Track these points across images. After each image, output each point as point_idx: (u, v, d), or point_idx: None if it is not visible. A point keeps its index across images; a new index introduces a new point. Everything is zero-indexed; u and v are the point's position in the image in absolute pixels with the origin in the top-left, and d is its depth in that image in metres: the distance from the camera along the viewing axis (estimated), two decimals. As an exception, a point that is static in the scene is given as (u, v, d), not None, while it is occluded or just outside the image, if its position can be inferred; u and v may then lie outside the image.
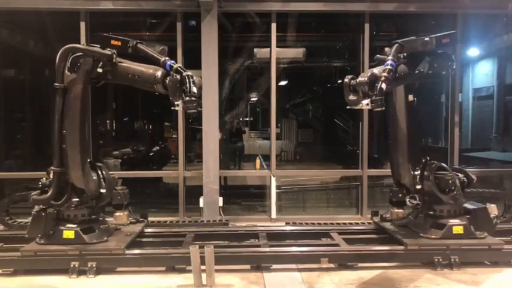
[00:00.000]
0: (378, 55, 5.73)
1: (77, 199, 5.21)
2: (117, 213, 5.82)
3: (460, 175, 5.54)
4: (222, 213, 7.42)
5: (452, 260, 5.08)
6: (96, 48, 4.98)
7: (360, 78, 4.84)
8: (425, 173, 5.48)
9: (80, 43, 7.42)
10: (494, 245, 5.22)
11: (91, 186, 5.24)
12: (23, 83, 9.93)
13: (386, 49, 5.20)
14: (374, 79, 4.68)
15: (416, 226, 5.63)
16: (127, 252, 5.07)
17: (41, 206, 5.17)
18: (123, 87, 5.28)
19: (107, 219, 5.75)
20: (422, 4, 7.63)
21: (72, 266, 4.92)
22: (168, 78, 4.83)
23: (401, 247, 5.24)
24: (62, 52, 4.97)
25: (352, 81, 5.01)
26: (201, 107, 5.38)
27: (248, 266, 5.15)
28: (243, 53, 9.98)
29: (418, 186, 5.50)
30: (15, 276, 4.94)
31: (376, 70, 4.85)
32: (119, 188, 5.76)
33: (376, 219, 6.30)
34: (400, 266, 5.15)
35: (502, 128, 12.10)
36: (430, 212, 5.55)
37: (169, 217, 7.31)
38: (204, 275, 4.62)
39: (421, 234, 5.43)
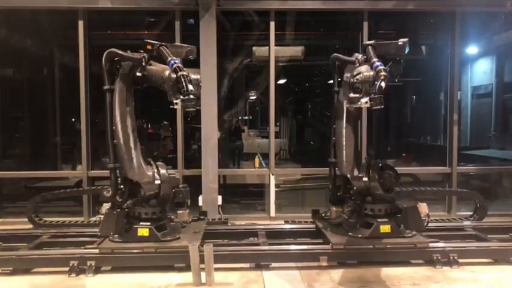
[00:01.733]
0: (335, 54, 5.70)
1: (138, 197, 5.31)
2: (180, 211, 5.87)
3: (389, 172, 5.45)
4: (221, 212, 7.43)
5: (451, 257, 5.08)
6: (131, 53, 5.19)
7: (363, 77, 4.74)
8: (371, 171, 5.45)
9: (79, 42, 7.51)
10: (420, 244, 5.22)
11: (145, 179, 5.27)
12: (21, 82, 9.88)
13: (356, 54, 5.26)
14: (377, 77, 4.65)
15: (349, 225, 5.65)
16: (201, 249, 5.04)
17: (111, 204, 5.33)
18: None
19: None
20: (421, 2, 7.62)
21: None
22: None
23: (328, 246, 5.25)
24: (105, 56, 5.24)
25: (352, 79, 4.99)
26: (200, 106, 5.42)
27: (247, 265, 5.16)
28: (241, 52, 9.95)
29: (365, 179, 5.43)
30: (14, 276, 4.93)
31: (363, 68, 4.80)
32: (181, 186, 5.83)
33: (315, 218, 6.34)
34: (400, 264, 5.14)
35: (500, 126, 12.09)
36: (362, 211, 5.56)
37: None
38: (203, 274, 4.62)
39: (350, 233, 5.44)
